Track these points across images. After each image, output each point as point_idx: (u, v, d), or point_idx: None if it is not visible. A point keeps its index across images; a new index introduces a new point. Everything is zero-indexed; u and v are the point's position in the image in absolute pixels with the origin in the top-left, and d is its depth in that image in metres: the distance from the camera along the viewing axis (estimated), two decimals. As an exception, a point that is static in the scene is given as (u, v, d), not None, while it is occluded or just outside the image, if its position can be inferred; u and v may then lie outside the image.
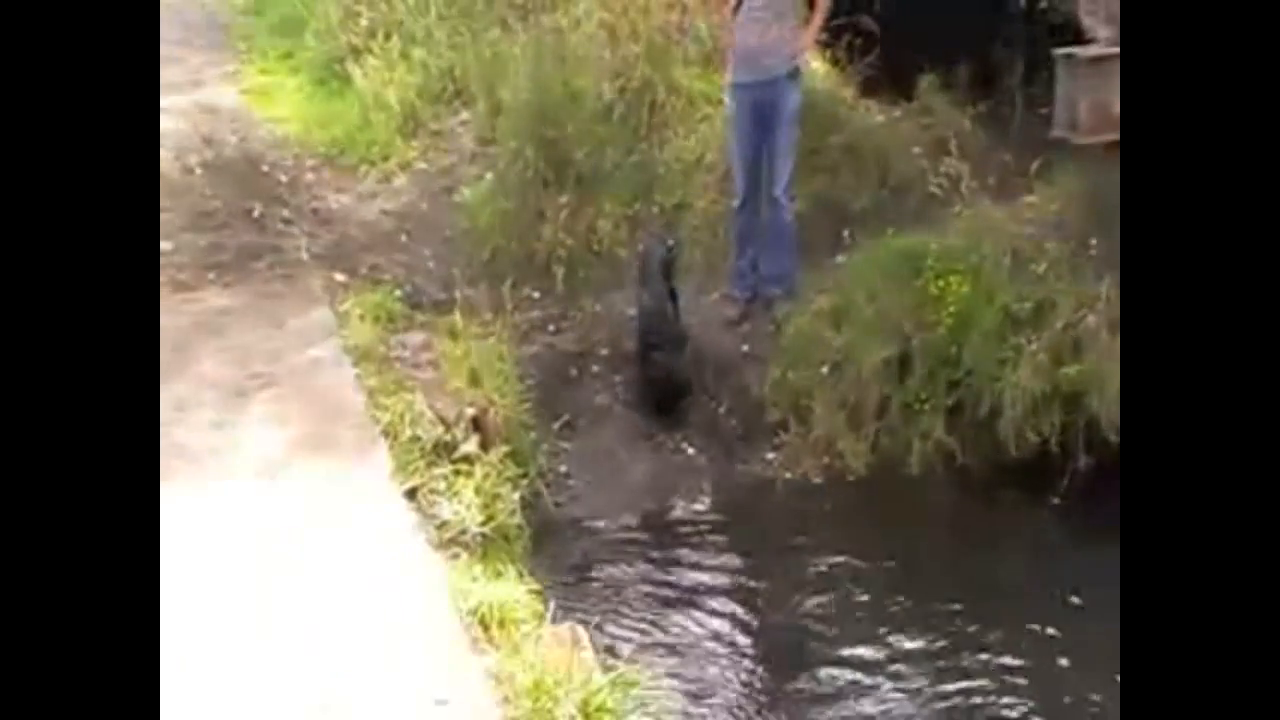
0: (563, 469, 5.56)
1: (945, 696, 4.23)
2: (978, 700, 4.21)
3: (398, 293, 5.93)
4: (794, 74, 5.95)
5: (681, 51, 7.08)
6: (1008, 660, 4.37)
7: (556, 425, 5.65)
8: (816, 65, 6.61)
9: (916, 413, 5.59)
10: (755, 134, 5.96)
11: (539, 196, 6.58)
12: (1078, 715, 4.00)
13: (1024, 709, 4.12)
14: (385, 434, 4.41)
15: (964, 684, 4.29)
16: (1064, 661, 4.30)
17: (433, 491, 4.25)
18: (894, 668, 4.36)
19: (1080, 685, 4.00)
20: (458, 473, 4.46)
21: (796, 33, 5.96)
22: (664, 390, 5.82)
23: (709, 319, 6.14)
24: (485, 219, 6.58)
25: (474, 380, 5.09)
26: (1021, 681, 4.26)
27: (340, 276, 5.99)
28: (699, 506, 5.52)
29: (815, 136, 6.38)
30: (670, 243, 6.10)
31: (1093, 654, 4.00)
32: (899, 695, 4.21)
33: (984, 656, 4.41)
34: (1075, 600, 4.18)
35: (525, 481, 4.91)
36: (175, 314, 5.26)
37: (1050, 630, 4.49)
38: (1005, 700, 4.18)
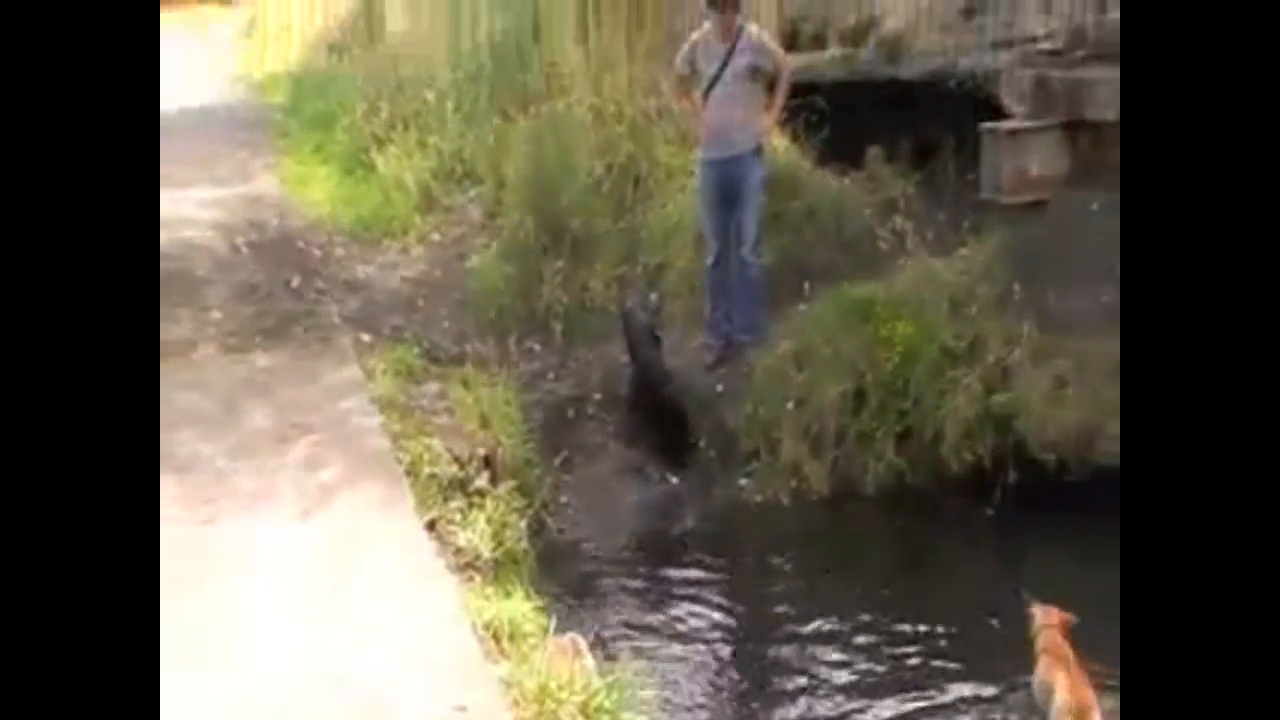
0: (563, 499, 5.61)
1: (898, 682, 4.37)
2: (919, 671, 4.38)
3: (416, 349, 5.93)
4: (758, 150, 6.12)
5: (661, 131, 7.25)
6: (949, 644, 4.51)
7: (557, 461, 5.70)
8: (777, 141, 6.78)
9: (870, 439, 5.67)
10: (724, 203, 6.12)
11: (538, 261, 6.65)
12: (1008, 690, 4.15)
13: (956, 673, 4.28)
14: (408, 473, 4.49)
15: (910, 659, 4.47)
16: (997, 642, 4.46)
17: (450, 522, 4.33)
18: (854, 664, 4.47)
19: (1014, 664, 4.13)
20: (471, 505, 4.56)
21: (759, 113, 6.13)
22: (671, 422, 5.86)
23: (689, 364, 6.22)
24: (491, 282, 6.67)
25: (484, 424, 5.17)
26: (957, 659, 4.41)
27: (367, 337, 6.04)
28: (683, 528, 5.62)
29: (778, 201, 6.50)
30: (654, 301, 6.22)
31: (1021, 635, 4.11)
32: (856, 691, 4.30)
33: (927, 641, 4.54)
34: (1011, 592, 4.30)
35: (530, 511, 4.96)
36: (226, 373, 5.40)
37: (988, 619, 4.65)
38: (944, 676, 4.31)
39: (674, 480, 5.83)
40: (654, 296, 6.41)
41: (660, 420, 5.90)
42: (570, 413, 6.08)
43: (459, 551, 4.17)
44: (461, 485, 4.59)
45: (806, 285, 6.39)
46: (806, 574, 5.20)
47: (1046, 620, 3.79)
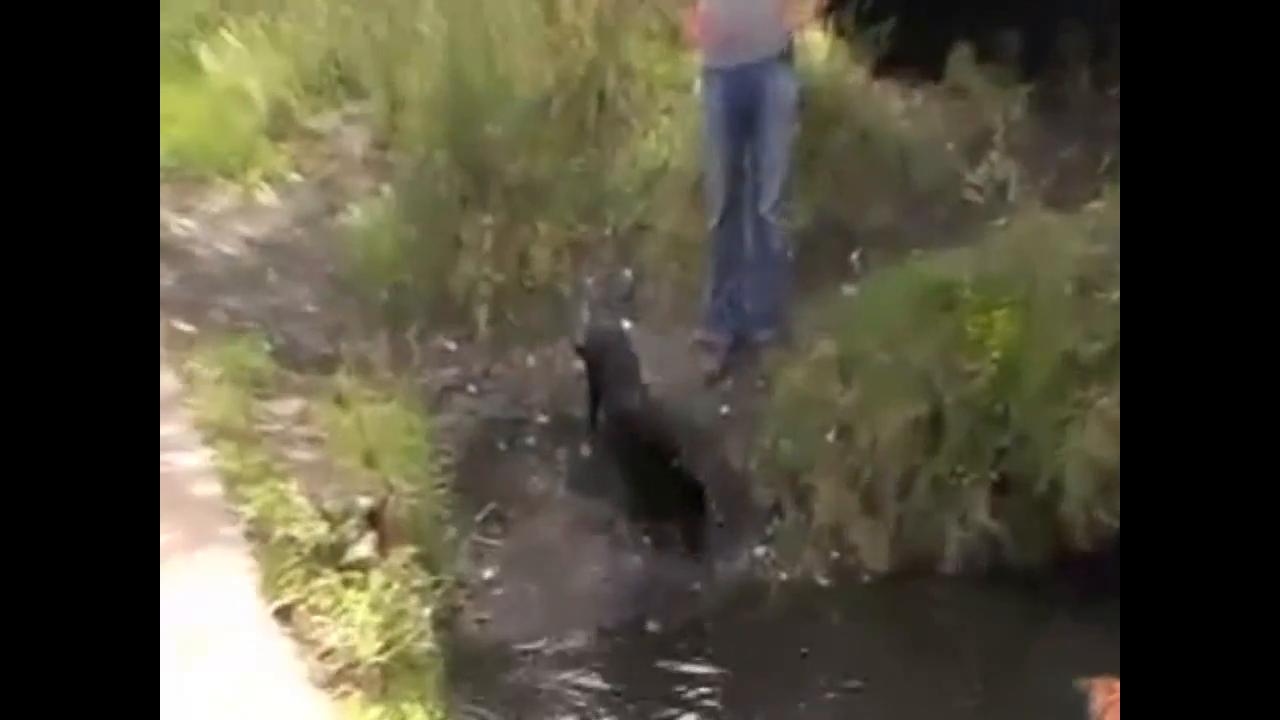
0: (488, 574, 5.63)
1: None
2: None
3: (265, 346, 5.99)
4: (786, 54, 6.07)
5: (639, 24, 7.26)
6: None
7: (480, 517, 5.74)
8: (816, 39, 6.76)
9: (952, 490, 5.68)
10: (737, 132, 6.06)
11: (454, 218, 6.74)
12: None
13: None
14: (249, 535, 4.47)
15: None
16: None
17: (314, 610, 4.30)
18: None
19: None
20: (348, 584, 4.51)
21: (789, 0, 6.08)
22: (688, 502, 5.83)
23: (678, 373, 6.29)
24: (382, 248, 6.70)
25: (369, 460, 5.17)
26: None
27: (186, 326, 6.02)
28: (668, 622, 5.60)
29: (815, 133, 6.50)
30: (625, 282, 6.31)
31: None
32: None
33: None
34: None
35: (439, 593, 4.99)
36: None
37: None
38: None
39: (656, 547, 5.84)
40: (626, 275, 6.43)
41: (653, 481, 5.86)
42: (501, 444, 6.14)
43: (328, 654, 4.13)
44: (334, 554, 4.59)
45: (855, 257, 6.49)
46: (853, 693, 5.18)
47: (1109, 697, 4.01)
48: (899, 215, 6.54)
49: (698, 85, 6.35)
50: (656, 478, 5.76)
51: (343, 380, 5.66)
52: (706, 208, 6.30)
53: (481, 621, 5.44)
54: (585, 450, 6.12)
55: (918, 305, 5.91)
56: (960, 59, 6.80)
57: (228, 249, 6.92)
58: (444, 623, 4.99)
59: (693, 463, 5.80)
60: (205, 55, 7.96)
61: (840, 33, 6.86)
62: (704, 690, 5.26)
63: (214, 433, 5.03)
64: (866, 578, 5.70)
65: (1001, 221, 6.32)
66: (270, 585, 4.26)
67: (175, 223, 6.99)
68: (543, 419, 6.25)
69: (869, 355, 5.87)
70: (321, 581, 4.43)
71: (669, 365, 6.30)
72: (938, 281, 5.93)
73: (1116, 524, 5.30)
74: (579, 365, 6.23)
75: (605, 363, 5.99)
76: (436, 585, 5.01)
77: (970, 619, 5.56)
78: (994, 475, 5.64)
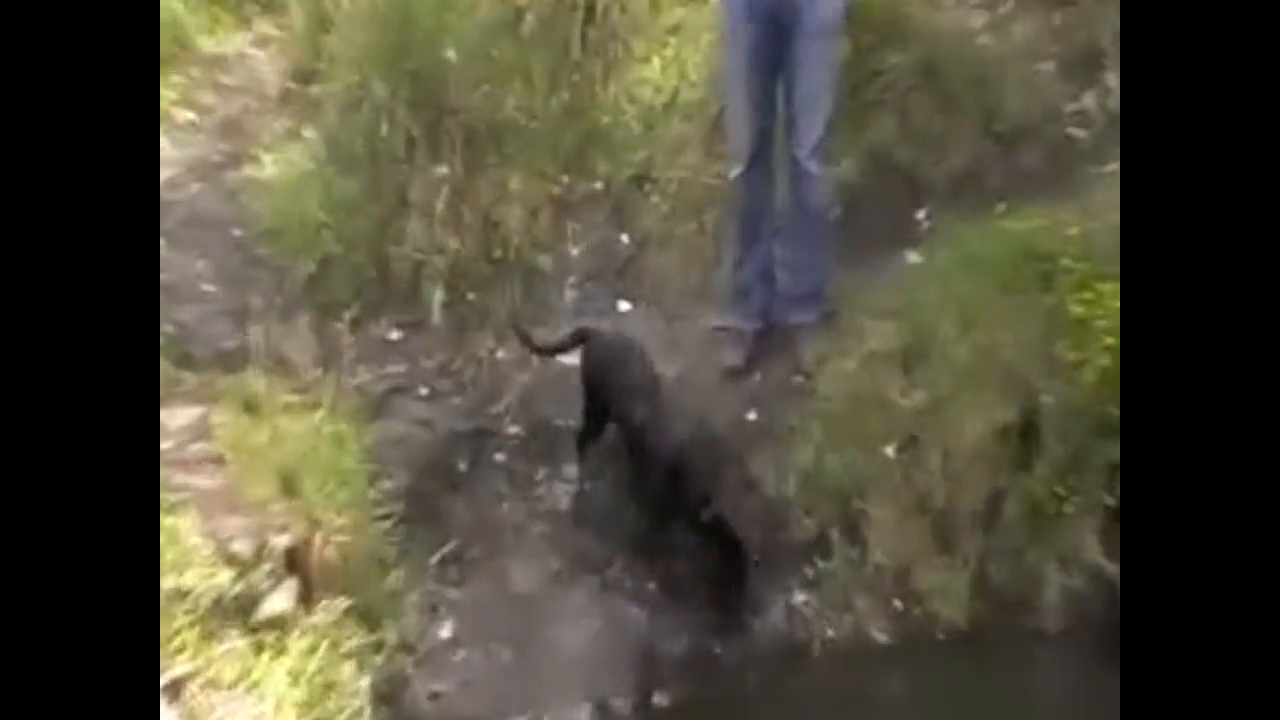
0: (444, 634, 5.59)
1: None
2: None
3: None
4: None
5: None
6: None
7: (435, 559, 5.70)
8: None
9: (1051, 521, 5.63)
10: (766, 55, 6.01)
11: (399, 169, 6.72)
12: None
13: None
14: None
15: None
16: None
17: (214, 684, 4.29)
18: None
19: None
20: (260, 648, 4.50)
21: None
22: (722, 561, 5.77)
23: (692, 368, 6.29)
24: (304, 209, 6.68)
25: (288, 486, 5.15)
26: None
27: None
28: (678, 694, 5.55)
29: (869, 53, 6.52)
30: (623, 250, 6.28)
31: None
32: None
33: None
34: None
35: (380, 658, 5.01)
36: None
37: None
38: None
39: (662, 595, 5.79)
40: (622, 241, 6.44)
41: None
42: (461, 463, 6.15)
43: None
44: (241, 609, 4.58)
45: (923, 214, 6.50)
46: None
47: None
48: (978, 160, 6.55)
49: (716, -3, 6.31)
50: (681, 532, 5.78)
51: (253, 381, 5.64)
52: (727, 153, 6.28)
53: (435, 696, 5.37)
54: (578, 486, 6.10)
55: (1004, 278, 5.87)
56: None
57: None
58: (386, 698, 4.99)
59: (732, 509, 5.68)
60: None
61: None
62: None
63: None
64: (940, 635, 5.65)
65: (1113, 166, 6.18)
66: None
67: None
68: (515, 430, 6.24)
69: (941, 343, 5.85)
70: (225, 646, 4.42)
71: (679, 358, 6.31)
72: (1030, 246, 5.88)
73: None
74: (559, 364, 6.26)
75: (610, 380, 5.92)
76: (377, 648, 5.01)
77: (1077, 690, 5.46)
78: (1107, 500, 5.55)
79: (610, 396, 5.91)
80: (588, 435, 6.02)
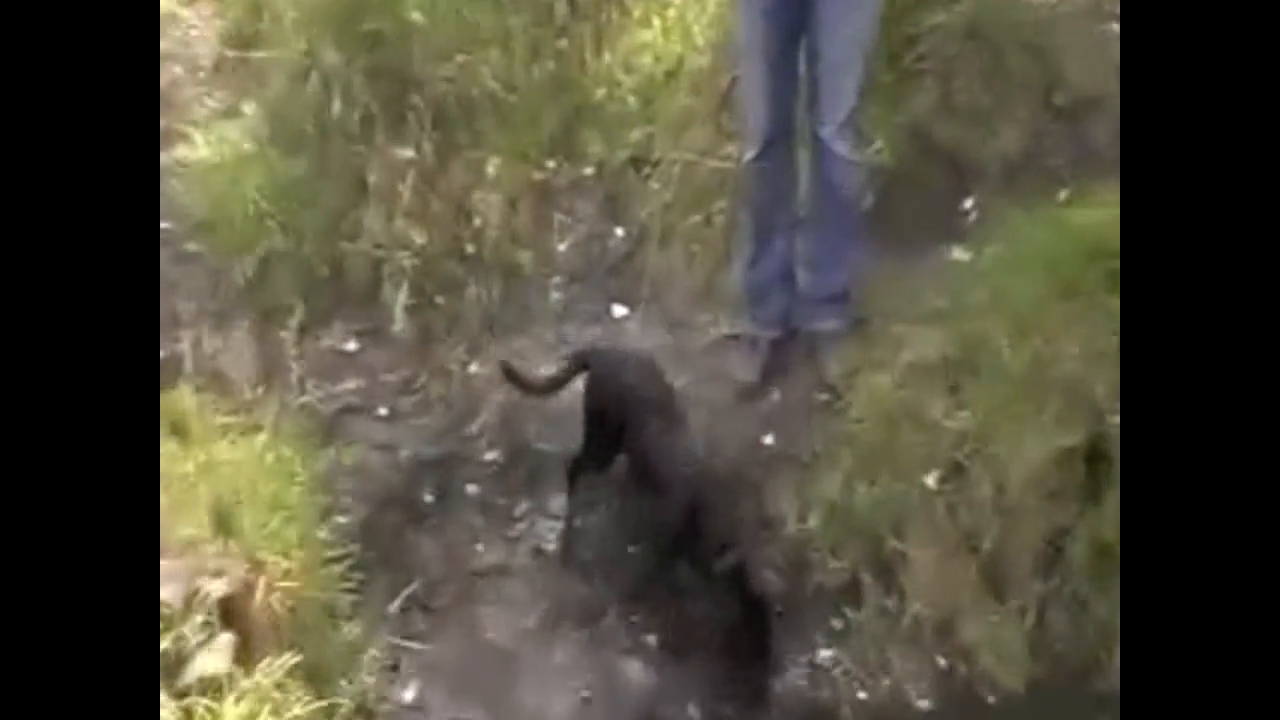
0: (408, 696, 5.64)
1: None
2: None
3: None
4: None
5: None
6: None
7: (397, 605, 5.76)
8: None
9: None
10: (786, 16, 6.00)
11: (356, 150, 6.76)
12: None
13: None
14: None
15: None
16: None
17: None
18: None
19: None
20: (189, 715, 4.42)
21: None
22: (750, 619, 5.80)
23: (699, 383, 6.32)
24: (244, 195, 6.71)
25: (224, 523, 5.10)
26: None
27: None
28: None
29: (907, 14, 6.55)
30: (618, 243, 6.26)
31: None
32: None
33: None
34: None
35: None
36: None
37: None
38: None
39: (663, 650, 5.83)
40: (617, 235, 6.46)
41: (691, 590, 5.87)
42: (428, 494, 6.21)
43: None
44: (168, 668, 4.49)
45: (970, 203, 6.52)
46: None
47: None
48: (1035, 138, 6.56)
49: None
50: (693, 578, 5.81)
51: (183, 399, 5.55)
52: (740, 132, 6.31)
53: None
54: (567, 522, 6.12)
55: (1066, 277, 5.88)
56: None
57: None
58: None
59: (753, 551, 5.76)
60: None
61: None
62: None
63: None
64: (991, 699, 5.66)
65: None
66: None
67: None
68: (491, 456, 6.30)
69: (991, 355, 5.85)
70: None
71: (683, 372, 6.31)
72: (1096, 240, 5.85)
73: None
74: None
75: (624, 404, 5.92)
76: (329, 714, 4.92)
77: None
78: None
79: (623, 423, 5.92)
80: (587, 466, 6.02)
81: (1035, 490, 5.68)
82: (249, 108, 7.03)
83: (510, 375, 6.17)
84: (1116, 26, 6.61)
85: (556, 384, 6.12)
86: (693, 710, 5.69)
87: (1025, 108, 6.61)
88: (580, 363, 6.07)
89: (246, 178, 6.72)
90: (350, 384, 6.43)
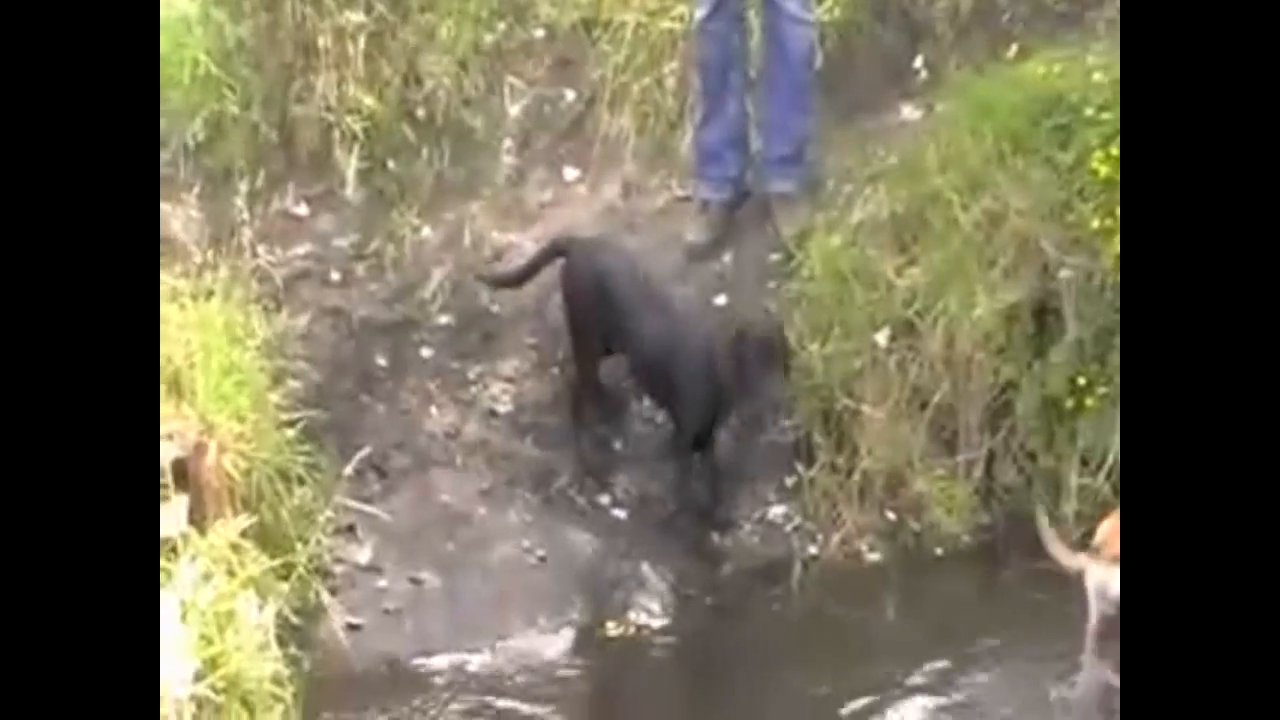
0: (363, 558, 5.65)
1: None
2: None
3: None
4: None
5: None
6: None
7: (350, 469, 5.62)
8: None
9: (1069, 418, 5.66)
10: None
11: (306, 11, 6.58)
12: None
13: None
14: None
15: None
16: None
17: None
18: None
19: None
20: None
21: None
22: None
23: (651, 247, 6.28)
24: (190, 57, 6.49)
25: (176, 387, 5.11)
26: None
27: None
28: (642, 621, 5.69)
29: None
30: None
31: None
32: None
33: None
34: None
35: (289, 586, 5.02)
36: None
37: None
38: None
39: (622, 509, 5.88)
40: (567, 97, 6.34)
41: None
42: (381, 358, 6.18)
43: None
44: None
45: (919, 62, 6.45)
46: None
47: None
48: None
49: None
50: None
51: None
52: None
53: (353, 628, 5.44)
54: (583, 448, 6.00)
55: (1016, 133, 5.87)
56: None
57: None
58: (297, 632, 5.02)
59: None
60: None
61: None
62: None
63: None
64: (939, 551, 5.72)
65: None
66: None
67: None
68: (444, 320, 6.23)
69: (941, 211, 5.81)
70: None
71: (637, 234, 6.32)
72: (1047, 95, 5.89)
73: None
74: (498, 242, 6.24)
75: (609, 300, 5.80)
76: (284, 575, 4.98)
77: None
78: None
79: (611, 323, 5.86)
80: (585, 375, 5.94)
81: (984, 346, 5.73)
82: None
83: (484, 280, 6.13)
84: None
85: (530, 272, 6.06)
86: (646, 569, 5.71)
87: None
88: (555, 250, 6.01)
89: (193, 40, 6.52)
90: (302, 249, 6.31)
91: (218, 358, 5.32)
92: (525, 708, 5.34)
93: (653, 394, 5.92)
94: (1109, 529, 4.78)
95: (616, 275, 5.86)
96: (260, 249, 6.20)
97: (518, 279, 6.08)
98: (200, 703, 4.19)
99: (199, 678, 4.23)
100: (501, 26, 6.65)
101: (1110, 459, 5.59)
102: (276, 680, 4.53)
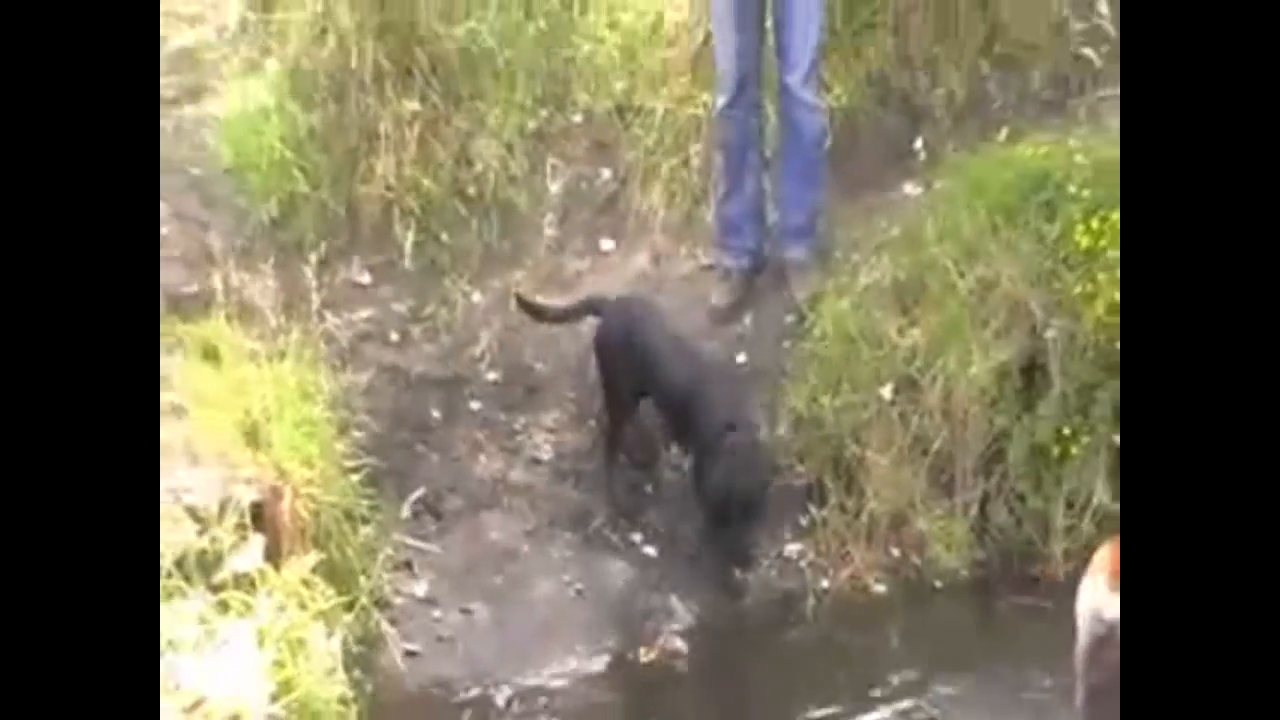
0: (420, 591, 5.70)
1: None
2: None
3: None
4: None
5: None
6: None
7: (408, 511, 5.84)
8: None
9: (1058, 462, 5.76)
10: None
11: (367, 102, 6.69)
12: None
13: None
14: None
15: None
16: None
17: (175, 646, 4.27)
18: None
19: None
20: (224, 608, 4.52)
21: None
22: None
23: (678, 309, 6.33)
24: (267, 144, 6.67)
25: (253, 438, 5.21)
26: None
27: None
28: (671, 647, 5.68)
29: None
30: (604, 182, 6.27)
31: None
32: None
33: None
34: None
35: (352, 617, 5.06)
36: None
37: None
38: None
39: (650, 547, 5.97)
40: (603, 176, 6.42)
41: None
42: (435, 411, 6.22)
43: (196, 706, 4.11)
44: (204, 567, 4.60)
45: (919, 143, 6.52)
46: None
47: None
48: (980, 84, 6.55)
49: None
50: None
51: (214, 328, 5.62)
52: (716, 81, 6.31)
53: (411, 655, 5.48)
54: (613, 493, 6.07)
55: (1007, 207, 5.94)
56: None
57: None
58: (360, 659, 5.04)
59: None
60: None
61: None
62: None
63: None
64: (938, 584, 5.80)
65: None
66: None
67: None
68: (492, 376, 6.29)
69: (939, 278, 5.92)
70: (185, 604, 4.42)
71: (665, 299, 6.37)
72: (1034, 174, 5.95)
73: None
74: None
75: (639, 354, 5.88)
76: (349, 607, 5.03)
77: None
78: (1115, 439, 5.62)
79: (642, 373, 5.87)
80: (618, 424, 5.99)
81: (979, 399, 5.78)
82: (271, 65, 6.95)
83: (522, 303, 6.21)
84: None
85: (565, 316, 6.16)
86: (674, 601, 5.76)
87: (970, 56, 6.62)
88: (589, 307, 6.09)
89: (269, 128, 6.68)
90: (365, 313, 6.41)
91: (290, 412, 5.38)
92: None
93: (678, 438, 5.92)
94: (1104, 555, 4.74)
95: (646, 327, 5.90)
96: (328, 314, 6.18)
97: (548, 317, 6.19)
98: (277, 722, 4.24)
99: (274, 699, 4.28)
100: (544, 113, 6.77)
101: (1094, 501, 5.67)
102: (343, 702, 4.62)
